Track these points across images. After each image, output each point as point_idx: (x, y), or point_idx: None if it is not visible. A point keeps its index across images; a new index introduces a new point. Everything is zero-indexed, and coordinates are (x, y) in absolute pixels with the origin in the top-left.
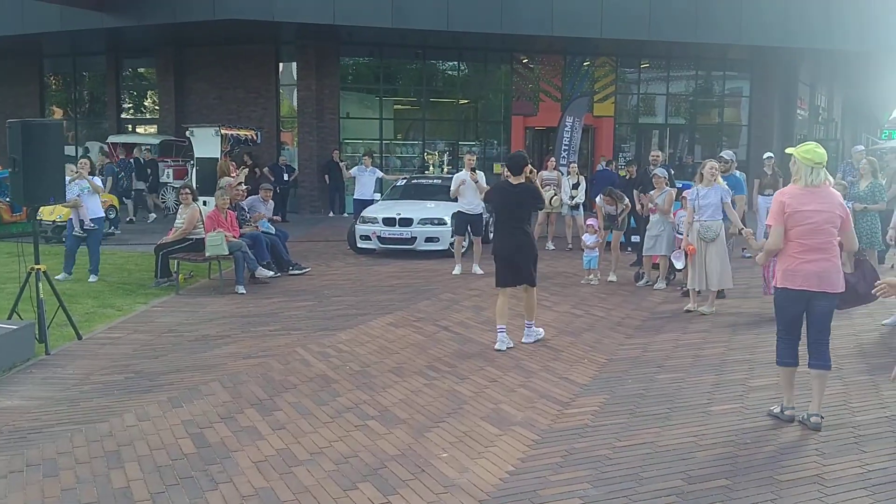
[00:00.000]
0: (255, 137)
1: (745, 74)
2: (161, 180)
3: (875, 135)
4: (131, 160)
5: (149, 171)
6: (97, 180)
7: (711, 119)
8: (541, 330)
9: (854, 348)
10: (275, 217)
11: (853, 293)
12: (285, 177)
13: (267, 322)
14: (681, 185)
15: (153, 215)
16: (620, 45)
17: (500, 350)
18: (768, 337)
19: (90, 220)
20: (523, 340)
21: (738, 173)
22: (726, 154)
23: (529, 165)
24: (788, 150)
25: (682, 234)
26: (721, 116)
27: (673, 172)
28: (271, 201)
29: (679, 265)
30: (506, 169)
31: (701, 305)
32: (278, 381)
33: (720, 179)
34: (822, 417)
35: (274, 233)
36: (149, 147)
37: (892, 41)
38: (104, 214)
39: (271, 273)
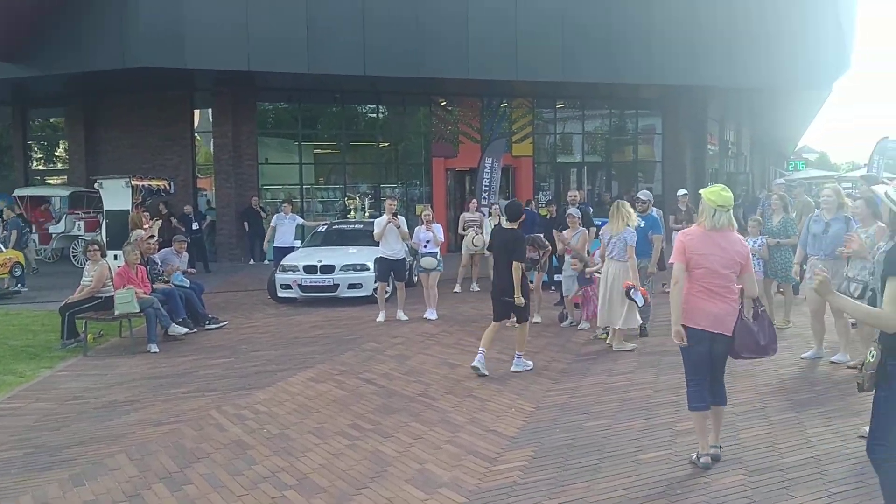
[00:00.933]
0: (167, 187)
1: (656, 112)
2: (73, 233)
3: (782, 166)
4: None
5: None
6: None
7: (626, 156)
8: (530, 362)
9: (776, 384)
10: (189, 269)
11: (755, 343)
12: (194, 226)
13: (180, 383)
14: (599, 224)
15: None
16: (536, 87)
17: (473, 367)
18: None
19: None
20: (511, 369)
21: (654, 211)
22: (643, 195)
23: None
24: (701, 191)
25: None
26: (636, 153)
27: (592, 210)
28: (185, 253)
29: (641, 302)
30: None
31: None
32: (190, 449)
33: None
34: (720, 448)
35: (188, 286)
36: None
37: (791, 77)
38: None
39: (185, 330)
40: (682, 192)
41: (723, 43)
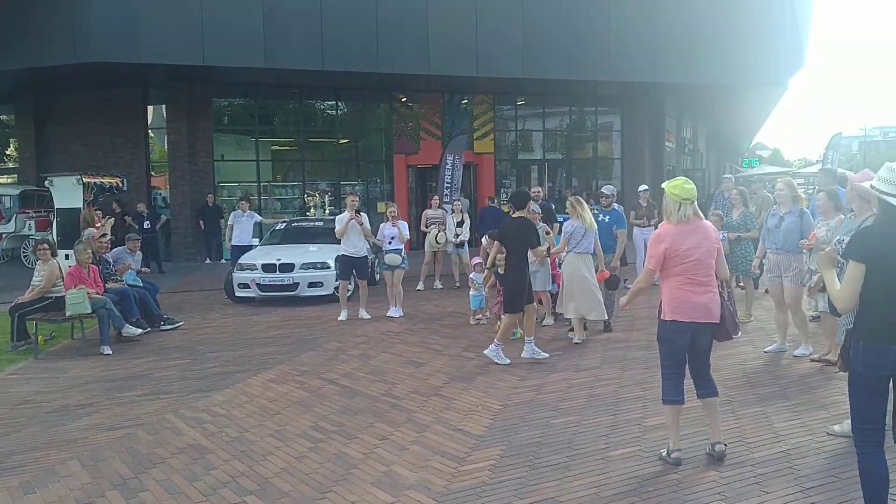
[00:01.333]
0: (120, 185)
1: (615, 109)
2: (23, 232)
3: (737, 163)
4: None
5: None
6: None
7: (586, 153)
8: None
9: (741, 378)
10: (143, 269)
11: (734, 324)
12: (146, 224)
13: (135, 386)
14: (562, 220)
15: None
16: (497, 83)
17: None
18: (657, 371)
19: None
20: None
21: (616, 206)
22: (606, 189)
23: (531, 202)
24: (663, 185)
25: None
26: (595, 150)
27: (554, 206)
28: (139, 252)
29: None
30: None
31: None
32: (145, 454)
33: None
34: (725, 445)
35: (142, 285)
36: None
37: (746, 74)
38: None
39: (140, 330)
40: (643, 187)
41: (681, 40)
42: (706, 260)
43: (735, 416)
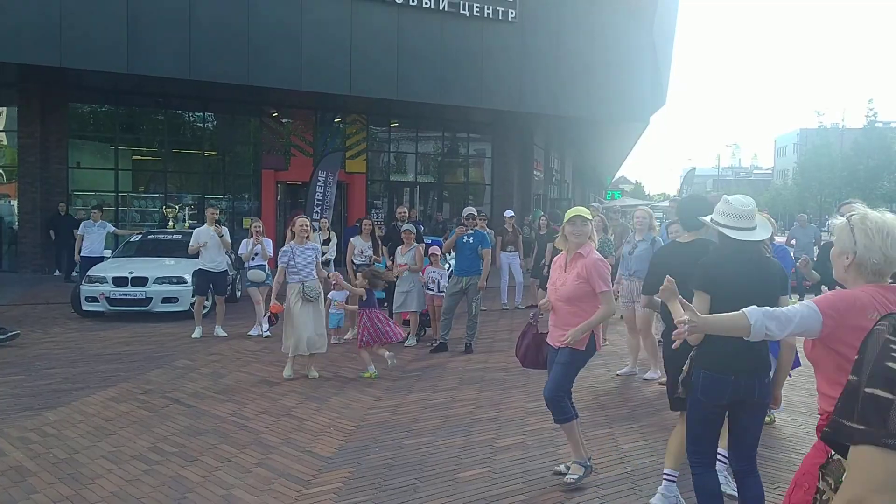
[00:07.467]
0: None
1: (487, 137)
2: None
3: (601, 195)
4: None
5: None
6: None
7: (458, 178)
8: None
9: (593, 401)
10: None
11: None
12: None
13: None
14: (430, 242)
15: None
16: (370, 104)
17: None
18: (513, 392)
19: None
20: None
21: (487, 230)
22: (474, 210)
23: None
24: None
25: (431, 290)
26: (466, 176)
27: (423, 228)
28: None
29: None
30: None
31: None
32: None
33: None
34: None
35: None
36: None
37: (609, 110)
38: None
39: None
40: (508, 213)
41: (549, 73)
42: None
43: (585, 438)
